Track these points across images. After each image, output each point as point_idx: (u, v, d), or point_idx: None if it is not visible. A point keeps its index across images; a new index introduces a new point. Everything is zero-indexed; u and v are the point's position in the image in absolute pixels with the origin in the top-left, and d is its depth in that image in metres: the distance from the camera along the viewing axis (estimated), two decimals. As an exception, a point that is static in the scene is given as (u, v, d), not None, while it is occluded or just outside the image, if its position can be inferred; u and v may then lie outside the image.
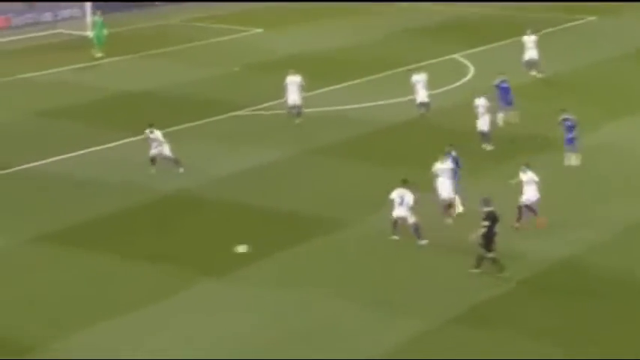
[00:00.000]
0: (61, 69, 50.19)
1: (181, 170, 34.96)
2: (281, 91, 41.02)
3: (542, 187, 30.40)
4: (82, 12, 58.11)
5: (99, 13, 53.88)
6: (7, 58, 52.51)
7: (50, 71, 49.70)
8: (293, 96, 40.62)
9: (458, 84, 45.88)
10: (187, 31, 58.53)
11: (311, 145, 38.15)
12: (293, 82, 40.69)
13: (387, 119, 41.09)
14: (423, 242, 29.04)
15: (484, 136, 37.10)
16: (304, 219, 31.41)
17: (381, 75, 47.58)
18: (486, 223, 26.94)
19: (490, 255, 27.09)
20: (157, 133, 35.29)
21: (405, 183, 29.25)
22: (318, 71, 48.51)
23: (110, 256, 28.84)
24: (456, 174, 31.11)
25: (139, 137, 36.57)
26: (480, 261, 27.16)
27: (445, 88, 44.92)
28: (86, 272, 28.01)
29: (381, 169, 34.06)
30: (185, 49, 54.40)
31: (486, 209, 27.15)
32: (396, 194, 29.18)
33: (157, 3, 64.66)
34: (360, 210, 31.55)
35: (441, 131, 38.17)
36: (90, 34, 53.73)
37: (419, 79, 41.19)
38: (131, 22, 60.18)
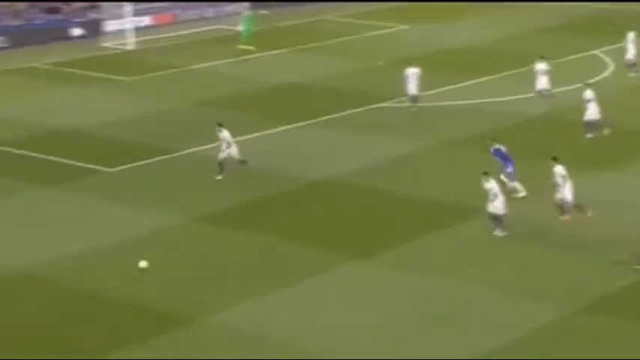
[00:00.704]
0: (221, 61, 51.16)
1: (246, 164, 33.08)
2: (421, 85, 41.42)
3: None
4: (243, 8, 59.19)
5: (250, 8, 54.81)
6: (174, 51, 53.81)
7: (212, 63, 50.71)
8: (410, 86, 41.22)
9: (596, 79, 44.90)
10: (339, 27, 58.89)
11: (448, 137, 38.04)
12: (413, 73, 41.21)
13: (524, 113, 40.64)
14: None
15: (589, 125, 36.66)
16: (444, 206, 31.39)
17: (521, 70, 46.96)
18: None
19: None
20: (226, 133, 34.01)
21: (485, 174, 29.08)
22: (459, 66, 48.36)
23: (264, 238, 29.34)
24: (511, 167, 31.36)
25: (289, 126, 37.07)
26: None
27: (582, 84, 44.09)
28: (242, 251, 28.59)
29: (517, 161, 33.66)
30: (335, 44, 54.76)
31: None
32: (494, 186, 28.93)
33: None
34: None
35: (574, 126, 37.63)
36: (241, 28, 54.54)
37: (541, 67, 41.06)
38: (288, 18, 60.93)
